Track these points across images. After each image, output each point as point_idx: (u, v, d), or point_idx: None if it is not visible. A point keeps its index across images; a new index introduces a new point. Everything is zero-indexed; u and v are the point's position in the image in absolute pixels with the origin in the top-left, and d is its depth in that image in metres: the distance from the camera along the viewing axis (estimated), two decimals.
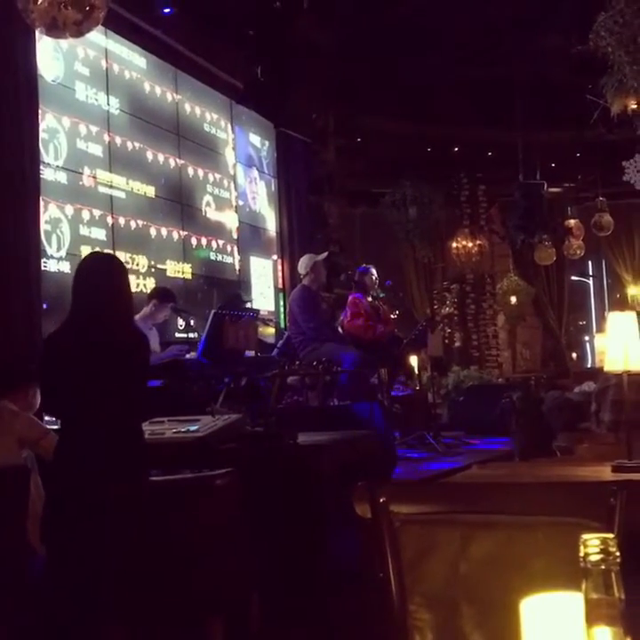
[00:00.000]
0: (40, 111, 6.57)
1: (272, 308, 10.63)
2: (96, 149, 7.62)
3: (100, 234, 7.52)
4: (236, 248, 10.02)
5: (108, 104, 7.89)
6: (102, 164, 7.69)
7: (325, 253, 8.26)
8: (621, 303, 14.33)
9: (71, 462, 3.32)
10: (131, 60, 8.37)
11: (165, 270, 8.51)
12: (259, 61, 7.35)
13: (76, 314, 3.45)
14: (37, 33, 5.21)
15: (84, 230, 7.32)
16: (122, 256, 7.78)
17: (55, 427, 4.45)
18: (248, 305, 8.74)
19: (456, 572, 1.73)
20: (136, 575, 3.23)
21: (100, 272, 3.50)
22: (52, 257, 6.85)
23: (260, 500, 3.72)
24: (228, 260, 9.88)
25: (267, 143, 10.95)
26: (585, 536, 0.88)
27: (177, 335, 8.21)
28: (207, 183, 9.52)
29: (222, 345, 5.85)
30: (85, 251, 7.19)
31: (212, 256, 9.54)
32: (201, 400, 5.55)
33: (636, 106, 6.83)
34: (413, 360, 8.60)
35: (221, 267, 9.71)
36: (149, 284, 8.00)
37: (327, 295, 9.64)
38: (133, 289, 7.70)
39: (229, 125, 10.10)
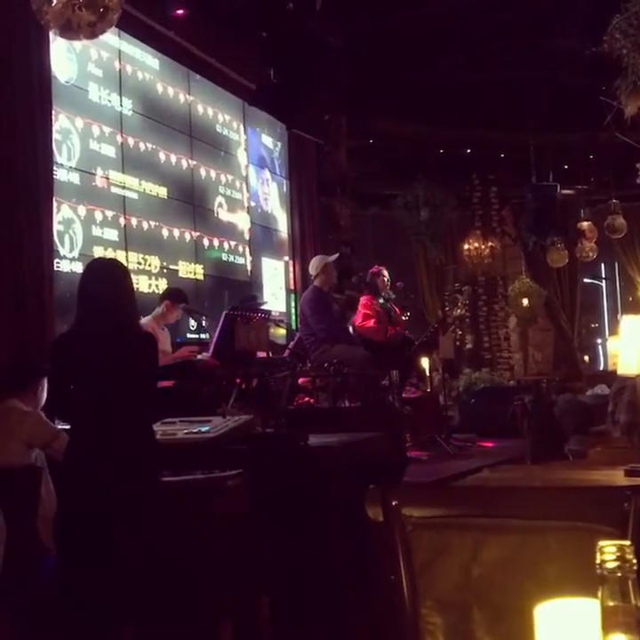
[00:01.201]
0: (53, 112, 6.59)
1: (283, 309, 10.64)
2: (109, 150, 7.63)
3: (112, 234, 7.54)
4: (247, 249, 10.03)
5: (121, 105, 7.91)
6: (115, 164, 7.71)
7: (336, 255, 8.25)
8: (634, 306, 14.27)
9: (82, 463, 3.32)
10: (143, 61, 8.38)
11: (177, 271, 8.52)
12: (271, 63, 7.35)
13: (82, 317, 3.47)
14: (51, 34, 5.23)
15: (96, 231, 7.34)
16: (134, 257, 7.81)
17: (66, 426, 4.46)
18: (264, 307, 8.74)
19: (468, 577, 1.73)
20: (146, 576, 3.23)
21: (104, 276, 3.53)
22: (64, 257, 6.87)
23: (270, 501, 3.72)
24: (240, 260, 9.89)
25: (279, 144, 10.96)
26: (601, 543, 0.87)
27: (189, 336, 8.22)
28: (219, 184, 9.53)
29: (234, 346, 5.85)
30: (98, 251, 7.21)
31: (224, 257, 9.55)
32: (212, 401, 5.55)
33: None
34: (425, 362, 8.59)
35: (233, 268, 9.72)
36: (162, 285, 8.02)
37: (338, 296, 9.64)
38: (145, 290, 7.75)
39: (242, 126, 10.11)
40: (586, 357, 15.59)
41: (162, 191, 8.39)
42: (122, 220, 7.71)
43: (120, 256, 7.49)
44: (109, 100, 7.75)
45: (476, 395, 10.75)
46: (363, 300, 8.25)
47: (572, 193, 13.56)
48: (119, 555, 3.21)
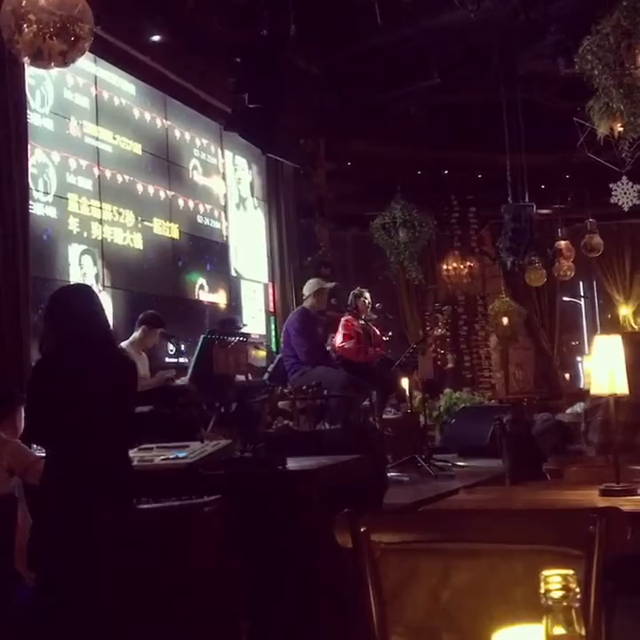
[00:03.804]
0: (29, 146, 6.59)
1: (263, 332, 10.63)
2: (86, 183, 7.66)
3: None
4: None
5: (98, 139, 7.91)
6: (92, 194, 7.76)
7: (333, 283, 8.35)
8: (613, 323, 14.37)
9: (58, 490, 3.30)
10: (120, 86, 8.40)
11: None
12: (246, 88, 7.39)
13: (59, 343, 3.43)
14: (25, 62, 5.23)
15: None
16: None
17: (43, 454, 4.43)
18: (243, 330, 8.73)
19: (437, 602, 1.73)
20: (123, 603, 3.20)
21: (75, 300, 3.50)
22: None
23: (248, 526, 3.70)
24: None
25: (256, 168, 10.99)
26: (545, 572, 0.88)
27: (167, 360, 8.19)
28: (198, 214, 9.55)
29: (212, 370, 5.83)
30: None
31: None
32: (190, 426, 5.53)
33: (622, 128, 6.87)
34: (405, 382, 8.60)
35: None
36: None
37: (321, 318, 9.66)
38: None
39: (219, 150, 10.14)
40: (566, 375, 15.66)
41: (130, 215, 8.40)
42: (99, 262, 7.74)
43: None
44: (88, 134, 7.77)
45: (457, 415, 10.74)
46: (343, 320, 8.28)
47: (548, 212, 13.66)
48: (95, 582, 3.19)
